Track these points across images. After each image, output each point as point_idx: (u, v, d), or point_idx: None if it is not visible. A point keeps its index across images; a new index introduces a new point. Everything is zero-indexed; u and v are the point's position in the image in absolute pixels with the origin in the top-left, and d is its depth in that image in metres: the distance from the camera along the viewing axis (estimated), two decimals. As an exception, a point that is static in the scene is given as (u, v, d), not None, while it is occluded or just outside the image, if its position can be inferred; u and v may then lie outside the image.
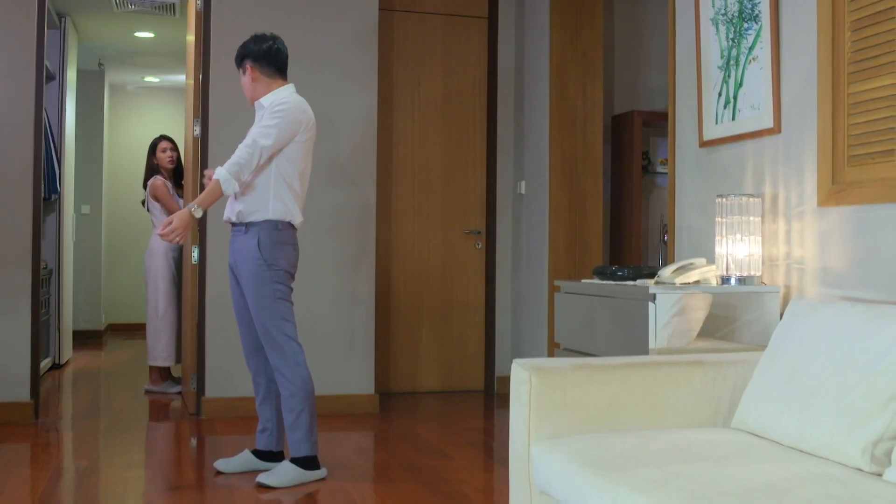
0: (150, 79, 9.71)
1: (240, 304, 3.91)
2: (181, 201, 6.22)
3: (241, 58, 3.90)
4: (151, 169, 6.25)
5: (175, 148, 6.32)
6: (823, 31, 3.22)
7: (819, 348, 2.61)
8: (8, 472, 3.94)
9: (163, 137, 6.34)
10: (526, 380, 2.86)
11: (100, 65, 8.93)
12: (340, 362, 5.36)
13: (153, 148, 6.29)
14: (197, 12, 5.23)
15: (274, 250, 3.75)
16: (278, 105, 3.79)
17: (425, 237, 6.10)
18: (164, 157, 6.25)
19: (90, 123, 9.15)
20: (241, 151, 3.71)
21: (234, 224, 3.86)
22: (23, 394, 5.00)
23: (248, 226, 3.77)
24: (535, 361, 2.93)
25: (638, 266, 3.96)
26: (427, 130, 6.11)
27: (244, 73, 3.88)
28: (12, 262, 4.99)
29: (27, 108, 5.04)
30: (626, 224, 5.94)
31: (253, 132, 3.76)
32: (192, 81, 5.40)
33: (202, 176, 5.14)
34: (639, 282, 3.53)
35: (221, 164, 5.12)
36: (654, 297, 3.25)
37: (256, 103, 3.90)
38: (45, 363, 6.66)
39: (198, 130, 5.20)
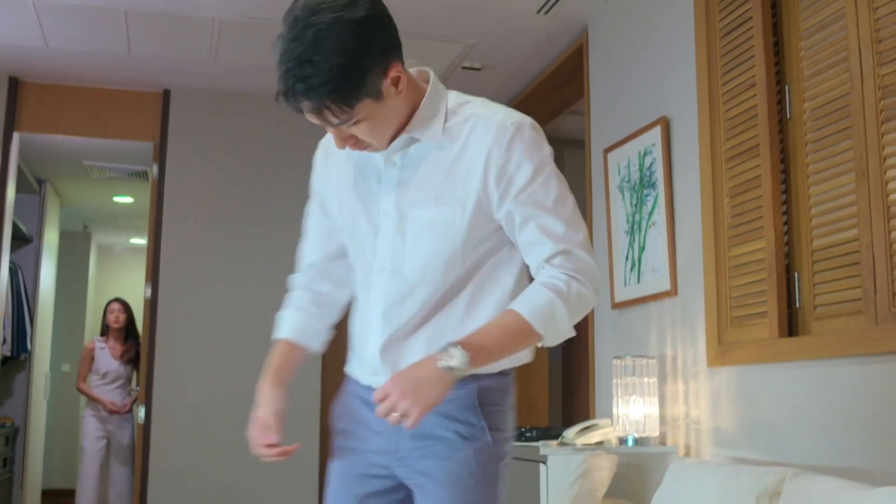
0: (135, 240, 9.99)
1: None
2: (115, 363, 6.39)
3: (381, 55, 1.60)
4: (103, 328, 6.61)
5: (124, 310, 6.59)
6: (706, 196, 3.37)
7: (688, 509, 2.64)
8: None
9: (114, 300, 6.67)
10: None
11: (84, 227, 9.22)
12: (284, 493, 5.30)
13: (106, 311, 6.64)
14: (153, 180, 5.48)
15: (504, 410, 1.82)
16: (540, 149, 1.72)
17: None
18: (111, 318, 6.53)
19: (74, 283, 9.36)
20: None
21: None
22: (-41, 555, 4.99)
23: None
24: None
25: (547, 427, 3.98)
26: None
27: (392, 83, 1.64)
28: (-43, 421, 5.07)
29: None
30: (577, 384, 5.97)
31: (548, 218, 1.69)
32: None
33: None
34: (541, 443, 3.56)
35: (170, 327, 5.36)
36: (545, 459, 3.28)
37: (393, 146, 1.71)
38: (1, 523, 6.62)
39: (149, 292, 5.36)
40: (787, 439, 2.89)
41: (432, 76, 1.75)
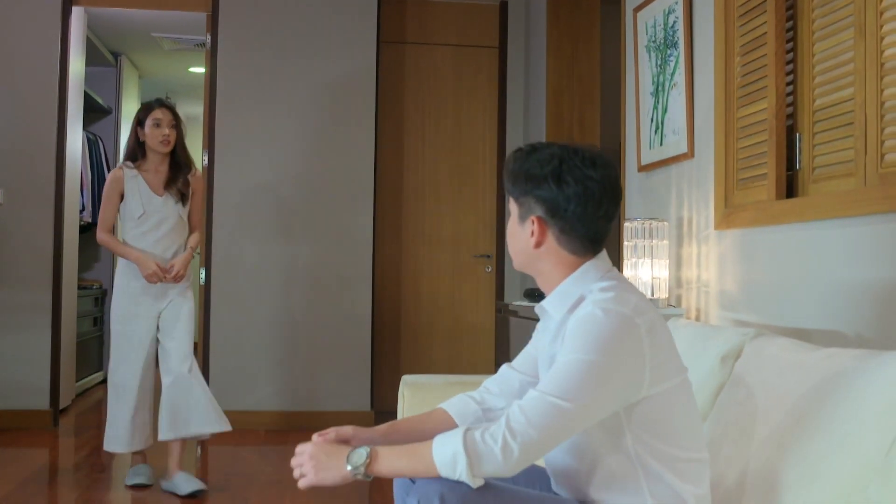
0: (220, 110, 10.23)
1: None
2: (157, 199, 4.00)
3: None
4: (134, 148, 4.05)
5: (175, 124, 4.07)
6: (718, 54, 3.28)
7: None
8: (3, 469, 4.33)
9: (159, 103, 4.06)
10: (401, 394, 3.04)
11: (167, 98, 9.47)
12: (337, 379, 5.59)
13: (141, 119, 4.03)
14: (206, 51, 5.60)
15: None
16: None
17: (434, 260, 6.26)
18: (156, 135, 3.97)
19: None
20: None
21: None
22: (42, 402, 5.42)
23: None
24: (414, 378, 3.10)
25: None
26: (437, 157, 6.28)
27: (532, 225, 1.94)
28: (34, 281, 5.42)
29: (49, 135, 5.46)
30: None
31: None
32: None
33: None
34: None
35: (228, 194, 5.57)
36: (548, 318, 3.34)
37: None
38: (94, 377, 7.12)
39: (205, 160, 5.54)
40: (780, 302, 2.88)
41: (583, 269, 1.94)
